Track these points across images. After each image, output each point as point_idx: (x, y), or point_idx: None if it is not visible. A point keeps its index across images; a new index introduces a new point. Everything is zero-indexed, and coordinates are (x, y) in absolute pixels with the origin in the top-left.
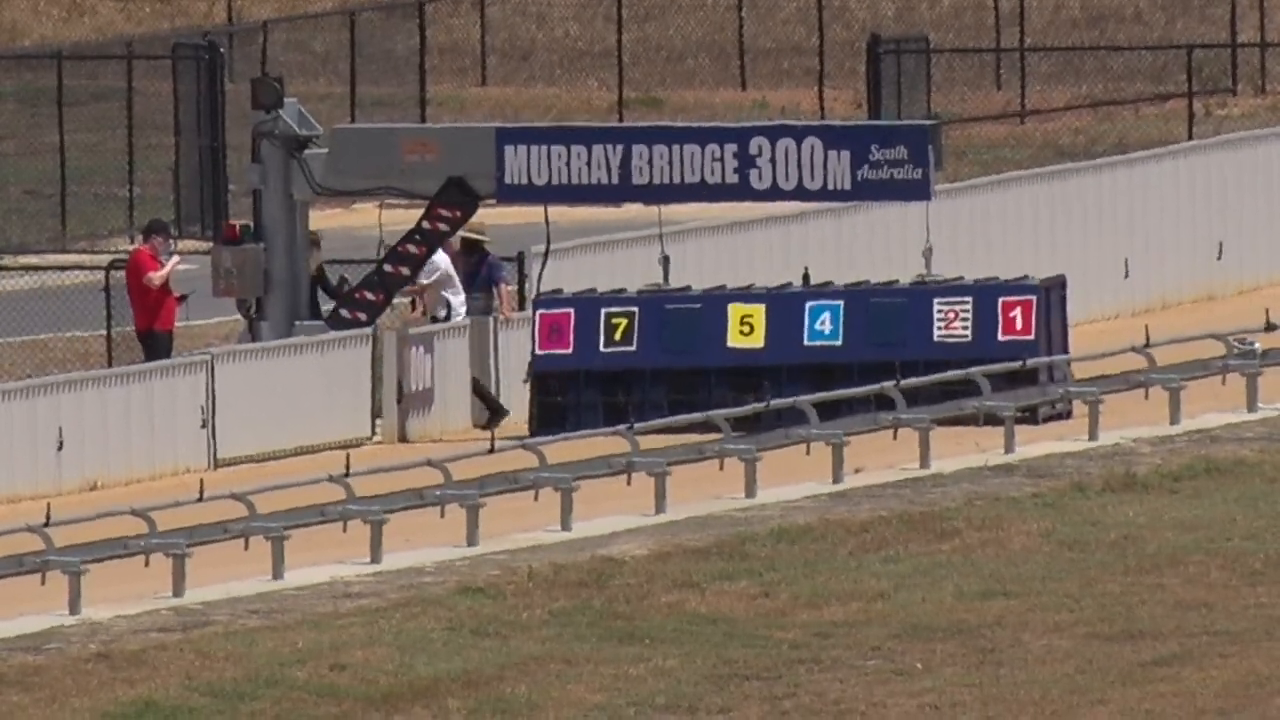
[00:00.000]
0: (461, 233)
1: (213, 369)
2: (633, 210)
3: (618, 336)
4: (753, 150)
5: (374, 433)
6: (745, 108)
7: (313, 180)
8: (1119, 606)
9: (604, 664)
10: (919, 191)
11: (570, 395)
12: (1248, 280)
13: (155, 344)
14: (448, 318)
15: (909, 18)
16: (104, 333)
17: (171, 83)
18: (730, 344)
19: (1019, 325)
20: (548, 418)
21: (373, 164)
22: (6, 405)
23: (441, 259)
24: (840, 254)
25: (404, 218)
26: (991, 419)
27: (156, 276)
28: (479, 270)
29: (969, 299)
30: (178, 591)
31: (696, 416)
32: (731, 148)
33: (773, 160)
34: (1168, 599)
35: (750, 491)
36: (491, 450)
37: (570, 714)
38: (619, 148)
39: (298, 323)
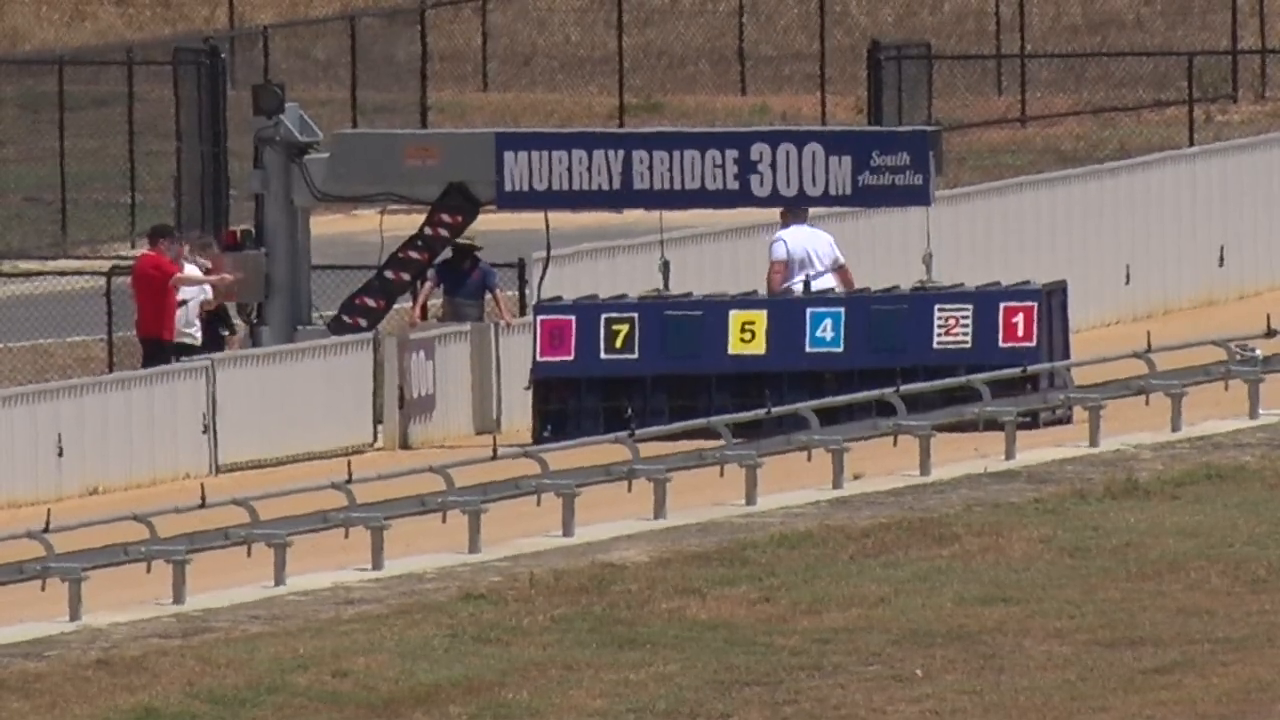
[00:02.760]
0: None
1: (214, 374)
2: (633, 216)
3: (619, 343)
4: (754, 156)
5: (375, 438)
6: (746, 113)
7: (314, 186)
8: (1120, 613)
9: (605, 670)
10: (920, 197)
11: (571, 402)
12: (1249, 286)
13: (163, 351)
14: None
15: (910, 24)
16: (105, 338)
17: (173, 88)
18: (731, 350)
19: (1020, 331)
20: (549, 424)
21: (374, 169)
22: (7, 410)
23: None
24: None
25: (405, 223)
26: (992, 425)
27: (184, 278)
28: (470, 277)
29: (970, 305)
30: (179, 598)
31: (697, 423)
32: (732, 153)
33: (774, 166)
34: (1169, 606)
35: (751, 498)
36: (493, 456)
37: (571, 719)
38: (620, 153)
39: (299, 328)
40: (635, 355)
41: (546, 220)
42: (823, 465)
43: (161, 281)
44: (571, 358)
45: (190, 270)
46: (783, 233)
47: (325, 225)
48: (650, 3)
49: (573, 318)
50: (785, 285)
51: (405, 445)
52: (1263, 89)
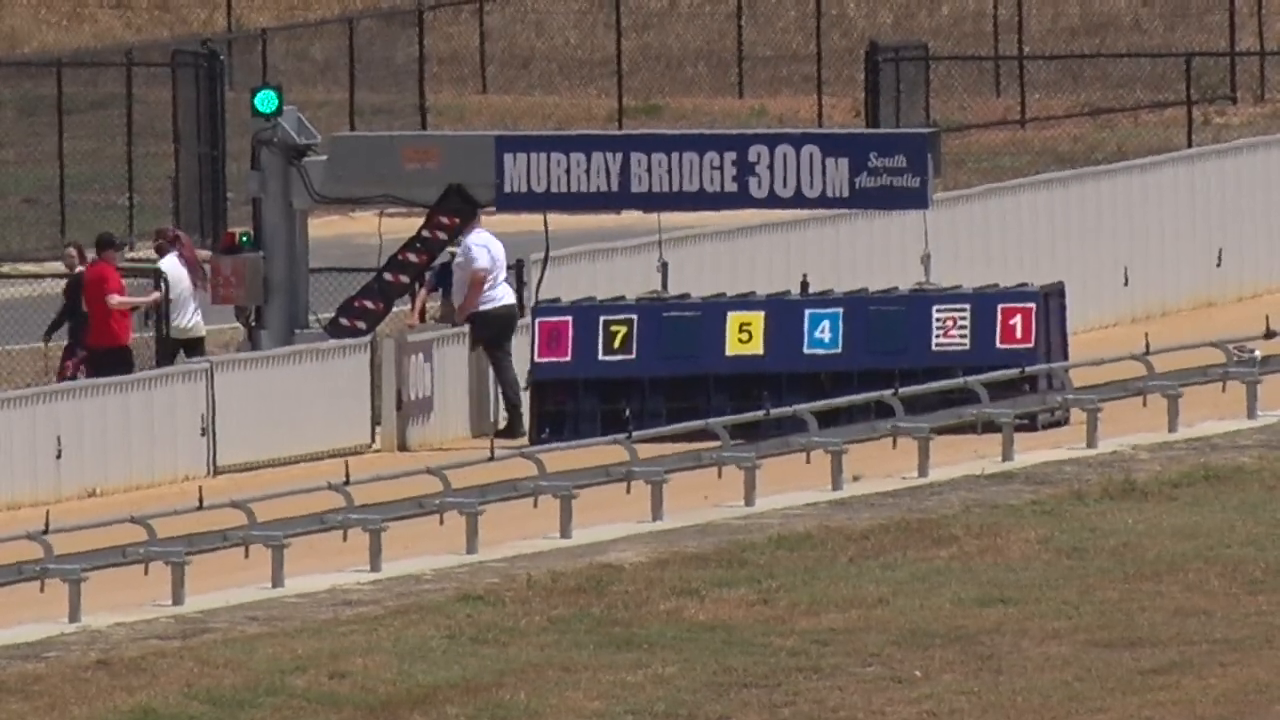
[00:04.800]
0: None
1: (212, 377)
2: (632, 218)
3: (616, 344)
4: (751, 158)
5: (373, 440)
6: (744, 115)
7: (312, 188)
8: (1118, 614)
9: (603, 671)
10: (917, 199)
11: (569, 403)
12: (1247, 287)
13: (114, 360)
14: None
15: (907, 25)
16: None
17: (171, 90)
18: (729, 352)
19: (1018, 333)
20: (547, 425)
21: (372, 172)
22: (6, 413)
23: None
24: (839, 262)
25: (404, 226)
26: (990, 426)
27: (118, 300)
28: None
29: (967, 306)
30: (177, 599)
31: (695, 424)
32: (730, 155)
33: (771, 168)
34: (1167, 606)
35: (749, 499)
36: (491, 458)
37: None
38: (618, 155)
39: (297, 331)
40: (633, 356)
41: (545, 222)
42: (821, 467)
43: (101, 294)
44: (569, 359)
45: (179, 272)
46: (477, 240)
47: (323, 227)
48: (648, 5)
49: (570, 319)
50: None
51: (403, 447)
52: (1261, 90)
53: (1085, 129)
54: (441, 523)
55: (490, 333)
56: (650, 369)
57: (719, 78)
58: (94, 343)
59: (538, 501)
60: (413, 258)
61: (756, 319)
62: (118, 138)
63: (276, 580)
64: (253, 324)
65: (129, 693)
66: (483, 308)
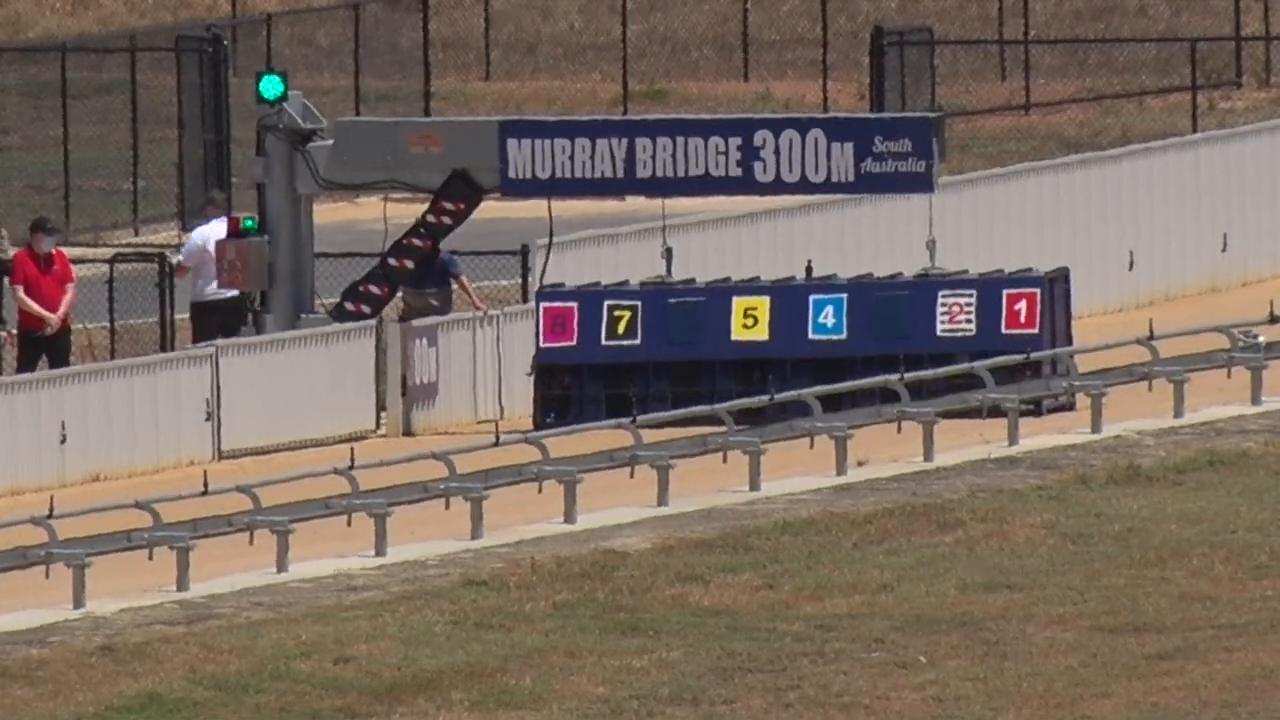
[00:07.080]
0: None
1: (217, 361)
2: (636, 203)
3: (621, 329)
4: (756, 143)
5: (378, 425)
6: (749, 100)
7: (317, 174)
8: (1123, 599)
9: (607, 656)
10: (922, 184)
11: (574, 388)
12: (1252, 273)
13: (28, 344)
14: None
15: (913, 9)
16: (107, 325)
17: (175, 76)
18: (734, 337)
19: (1023, 318)
20: (551, 410)
21: (377, 157)
22: (10, 397)
23: (200, 237)
24: (844, 247)
25: (408, 211)
26: (995, 411)
27: (20, 292)
28: (431, 268)
29: (973, 292)
30: (182, 584)
31: (700, 409)
32: (735, 140)
33: (776, 153)
34: (1172, 592)
35: (754, 484)
36: (496, 443)
37: (573, 706)
38: (623, 141)
39: (302, 315)
40: (638, 342)
41: (549, 207)
42: (826, 452)
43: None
44: (574, 344)
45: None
46: (206, 229)
47: (328, 213)
48: None
49: (575, 304)
50: (198, 286)
51: (408, 432)
52: (1266, 75)
53: (1090, 114)
54: (446, 507)
55: (210, 324)
56: (655, 354)
57: (724, 62)
58: (28, 327)
59: (542, 486)
60: (417, 243)
61: (761, 304)
62: (122, 123)
63: (281, 565)
64: (255, 308)
65: (134, 678)
66: (205, 298)
